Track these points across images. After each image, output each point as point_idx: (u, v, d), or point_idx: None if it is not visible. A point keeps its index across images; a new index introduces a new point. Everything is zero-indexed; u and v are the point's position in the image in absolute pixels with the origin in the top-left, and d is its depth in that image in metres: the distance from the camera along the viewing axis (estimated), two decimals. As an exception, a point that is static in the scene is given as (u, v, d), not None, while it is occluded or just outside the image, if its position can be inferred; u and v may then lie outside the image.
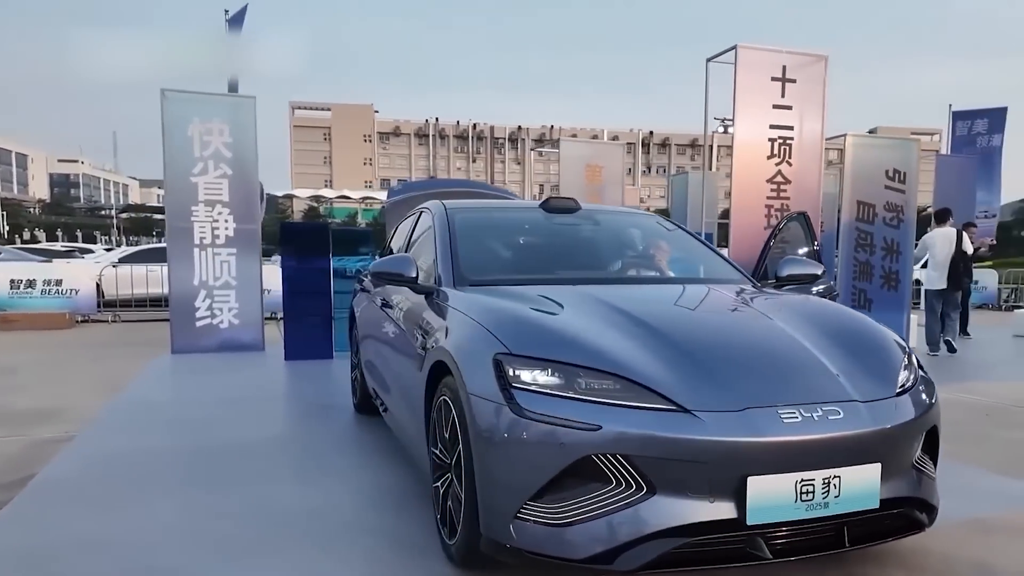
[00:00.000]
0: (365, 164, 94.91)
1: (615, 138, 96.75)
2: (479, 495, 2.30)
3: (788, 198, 6.83)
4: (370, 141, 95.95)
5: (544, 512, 2.16)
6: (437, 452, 2.75)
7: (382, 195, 45.64)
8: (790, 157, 6.79)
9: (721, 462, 2.07)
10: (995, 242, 14.52)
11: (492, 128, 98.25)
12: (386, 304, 3.90)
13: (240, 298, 8.64)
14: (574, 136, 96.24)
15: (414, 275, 3.25)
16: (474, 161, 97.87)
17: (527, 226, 3.83)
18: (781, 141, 6.76)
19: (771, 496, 2.08)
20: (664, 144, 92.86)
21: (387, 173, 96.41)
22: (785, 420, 2.13)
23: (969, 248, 9.27)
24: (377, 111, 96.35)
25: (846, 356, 2.47)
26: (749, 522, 2.07)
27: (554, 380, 2.23)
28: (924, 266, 9.08)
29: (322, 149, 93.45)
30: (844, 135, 7.72)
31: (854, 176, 7.81)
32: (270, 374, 7.14)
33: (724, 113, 15.56)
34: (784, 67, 6.73)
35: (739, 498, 2.07)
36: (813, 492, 2.12)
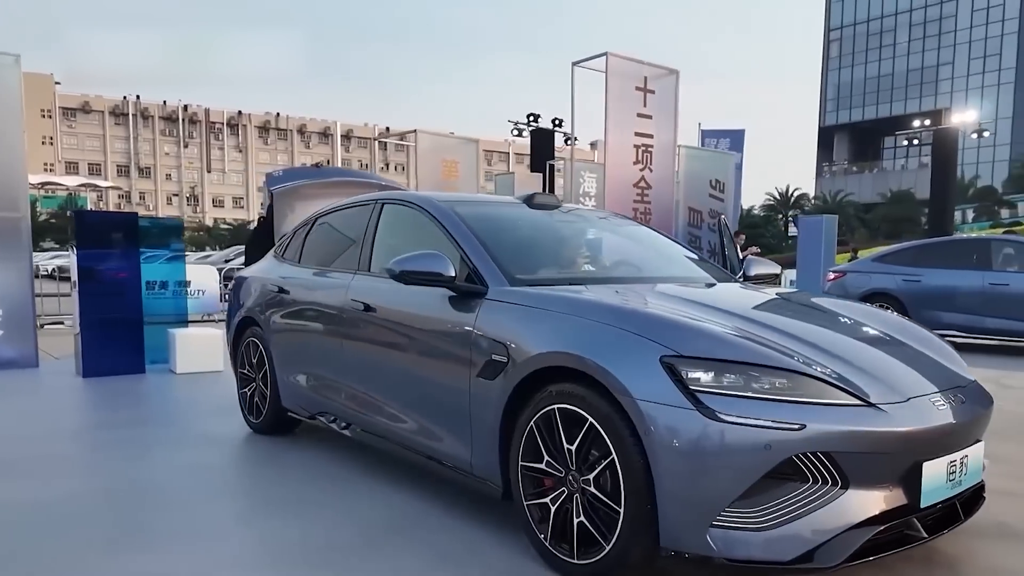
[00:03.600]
0: (44, 144, 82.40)
1: (350, 131, 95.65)
2: (660, 507, 2.27)
3: (650, 202, 7.45)
4: (50, 117, 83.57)
5: (745, 517, 2.21)
6: (540, 466, 2.63)
7: (69, 180, 39.82)
8: (651, 164, 7.42)
9: (903, 451, 2.30)
10: (759, 250, 17.03)
11: (207, 111, 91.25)
12: (368, 308, 3.58)
13: (2, 303, 7.18)
14: (301, 126, 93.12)
15: (453, 274, 3.06)
16: (186, 146, 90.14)
17: (534, 223, 3.77)
18: (644, 148, 7.36)
19: (935, 479, 2.36)
20: (403, 139, 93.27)
21: (74, 155, 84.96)
22: (938, 407, 2.42)
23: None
24: (59, 83, 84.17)
25: (926, 349, 2.85)
26: (922, 505, 2.32)
27: (736, 381, 2.28)
28: None
29: (-16, 122, 79.28)
30: (679, 146, 8.64)
31: (686, 184, 8.76)
32: (76, 396, 6.05)
33: (519, 118, 16.31)
34: (645, 78, 7.34)
35: (912, 483, 2.31)
36: (956, 472, 2.44)
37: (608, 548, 2.39)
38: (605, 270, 3.66)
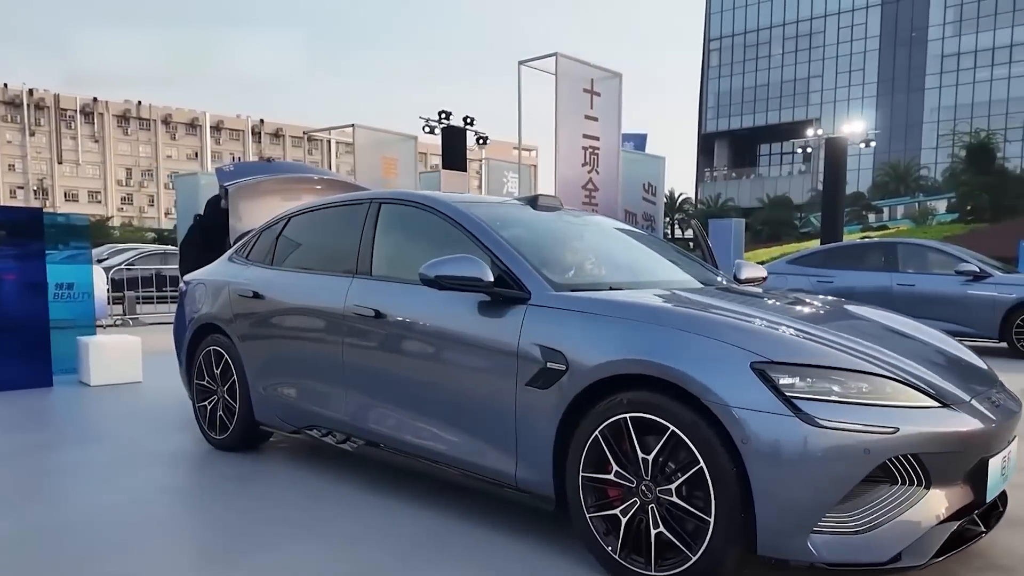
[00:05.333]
0: None
1: (220, 123, 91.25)
2: (758, 514, 2.30)
3: (597, 204, 7.55)
4: None
5: (843, 521, 2.27)
6: (607, 477, 2.61)
7: None
8: (598, 166, 7.53)
9: (974, 449, 2.43)
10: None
11: (57, 97, 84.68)
12: (379, 314, 3.43)
13: None
14: (167, 116, 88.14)
15: (492, 279, 2.98)
16: (32, 135, 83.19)
17: (548, 226, 3.73)
18: (591, 150, 7.46)
19: (995, 474, 2.52)
20: (277, 134, 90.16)
21: None
22: (994, 405, 2.59)
23: None
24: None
25: (954, 351, 3.03)
26: (987, 499, 2.47)
27: (825, 386, 2.34)
28: None
29: None
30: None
31: (622, 187, 8.93)
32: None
33: (432, 113, 16.15)
34: (592, 80, 7.45)
35: (978, 479, 2.46)
36: (1006, 466, 2.61)
37: (694, 558, 2.40)
38: (634, 274, 3.66)
